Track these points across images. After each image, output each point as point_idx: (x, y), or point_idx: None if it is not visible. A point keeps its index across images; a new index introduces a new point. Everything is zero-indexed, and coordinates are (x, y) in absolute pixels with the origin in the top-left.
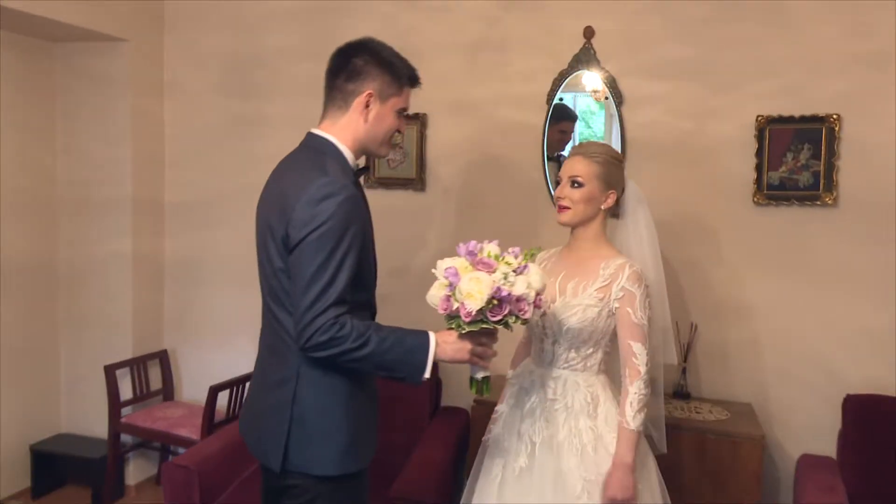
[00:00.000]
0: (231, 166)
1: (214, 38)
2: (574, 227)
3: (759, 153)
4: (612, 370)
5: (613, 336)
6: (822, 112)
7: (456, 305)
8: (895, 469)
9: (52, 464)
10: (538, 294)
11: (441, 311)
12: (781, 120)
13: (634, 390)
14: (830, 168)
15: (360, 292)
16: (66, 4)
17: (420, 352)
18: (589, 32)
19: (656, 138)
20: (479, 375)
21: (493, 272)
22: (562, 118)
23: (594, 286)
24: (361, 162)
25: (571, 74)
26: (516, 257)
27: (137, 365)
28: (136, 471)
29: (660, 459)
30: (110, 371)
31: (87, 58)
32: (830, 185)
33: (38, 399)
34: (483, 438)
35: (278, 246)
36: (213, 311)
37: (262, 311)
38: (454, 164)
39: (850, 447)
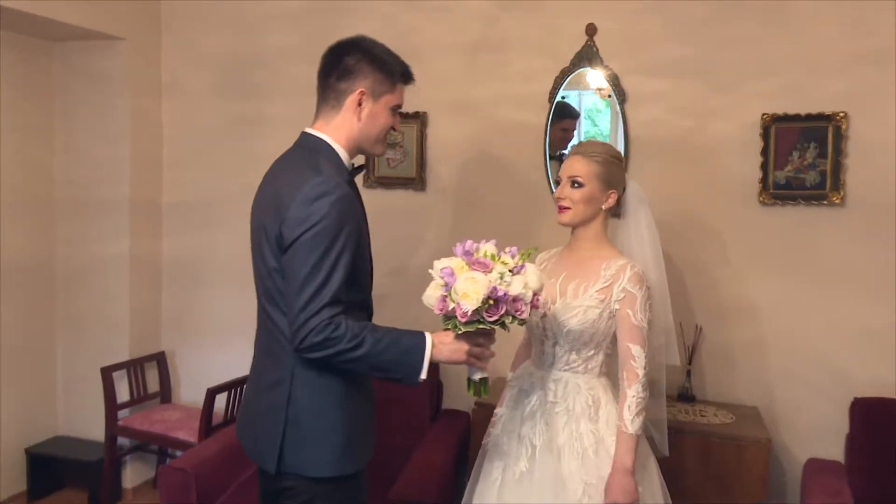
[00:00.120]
0: (229, 167)
1: (213, 38)
2: (575, 227)
3: (764, 152)
4: (611, 372)
5: (615, 338)
6: (828, 110)
7: (452, 306)
8: None
9: (48, 467)
10: (535, 294)
11: (437, 312)
12: (787, 118)
13: (632, 393)
14: (837, 167)
15: (356, 292)
16: (64, 4)
17: (416, 352)
18: (591, 30)
19: (660, 136)
20: (477, 377)
21: (490, 272)
22: (563, 116)
23: (595, 287)
24: (357, 161)
25: (574, 72)
26: (513, 257)
27: (135, 367)
28: (133, 474)
29: (664, 463)
30: (107, 373)
31: (85, 57)
32: (837, 185)
33: (35, 401)
34: (483, 442)
35: (272, 246)
36: (211, 313)
37: (258, 312)
38: (455, 163)
39: (858, 451)
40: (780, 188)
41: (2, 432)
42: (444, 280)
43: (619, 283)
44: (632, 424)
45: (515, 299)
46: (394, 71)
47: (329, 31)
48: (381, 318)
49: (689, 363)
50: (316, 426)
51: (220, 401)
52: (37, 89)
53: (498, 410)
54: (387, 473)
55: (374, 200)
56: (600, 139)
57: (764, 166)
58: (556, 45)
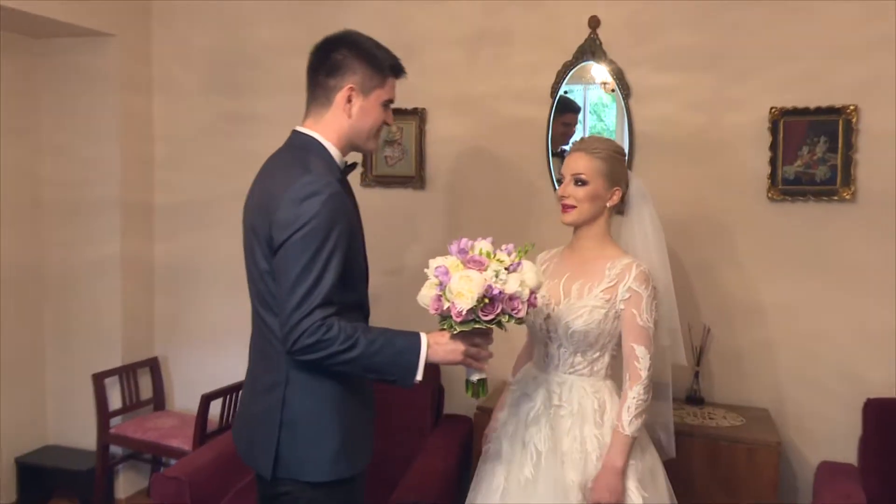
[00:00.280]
0: (223, 166)
1: (205, 34)
2: (578, 226)
3: (773, 147)
4: (616, 375)
5: (620, 339)
6: (838, 103)
7: (447, 305)
8: None
9: (38, 477)
10: (533, 292)
11: (432, 312)
12: (796, 112)
13: (633, 395)
14: (848, 161)
15: (350, 293)
16: (52, 0)
17: (411, 353)
18: (594, 22)
19: (665, 132)
20: (475, 378)
21: (485, 270)
22: (565, 110)
23: (600, 287)
24: (350, 159)
25: (577, 66)
26: (509, 254)
27: (127, 373)
28: (126, 483)
29: (672, 467)
30: (99, 380)
31: (73, 54)
32: (848, 180)
33: (24, 409)
34: (483, 448)
35: (263, 248)
36: (205, 317)
37: (252, 316)
38: (455, 160)
39: (872, 453)
40: (790, 184)
41: None
42: (439, 279)
43: (624, 282)
44: (629, 426)
45: (512, 298)
46: (383, 65)
47: (323, 25)
48: (382, 318)
49: (698, 364)
50: (311, 430)
51: (215, 407)
52: (23, 88)
53: (499, 415)
54: (387, 479)
55: (372, 200)
56: (606, 135)
57: (772, 161)
58: (558, 38)
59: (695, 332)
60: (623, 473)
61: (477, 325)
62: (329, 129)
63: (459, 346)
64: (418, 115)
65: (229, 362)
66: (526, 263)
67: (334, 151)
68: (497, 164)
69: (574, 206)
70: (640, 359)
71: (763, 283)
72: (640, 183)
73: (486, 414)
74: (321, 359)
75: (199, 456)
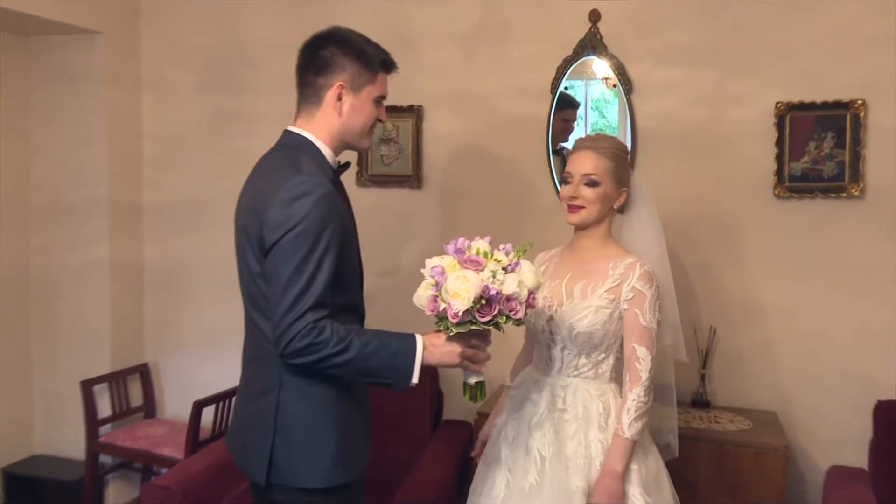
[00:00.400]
0: (215, 166)
1: (195, 31)
2: (583, 227)
3: (779, 142)
4: (620, 378)
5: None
6: (845, 97)
7: (443, 306)
8: None
9: (26, 488)
10: (532, 293)
11: (428, 313)
12: (802, 107)
13: (633, 397)
14: (856, 157)
15: (343, 295)
16: None
17: (406, 355)
18: (595, 16)
19: (669, 128)
20: (472, 380)
21: (482, 270)
22: (564, 106)
23: (604, 287)
24: (344, 158)
25: (577, 61)
26: (507, 254)
27: (116, 380)
28: (117, 493)
29: (676, 472)
30: (87, 387)
31: (59, 53)
32: (857, 176)
33: (11, 418)
34: (484, 454)
35: (254, 250)
36: (197, 321)
37: (244, 319)
38: (452, 159)
39: (883, 457)
40: (796, 181)
41: None
42: (435, 279)
43: (628, 281)
44: (629, 428)
45: (509, 298)
46: (373, 60)
47: (318, 21)
48: (379, 320)
49: (704, 367)
50: (305, 435)
51: (208, 414)
52: (8, 87)
53: (497, 420)
54: (385, 487)
55: (368, 200)
56: (608, 131)
57: (779, 158)
58: (558, 33)
59: (701, 334)
60: (622, 477)
61: (474, 327)
62: (320, 128)
63: (456, 348)
64: (415, 112)
65: (222, 368)
66: (524, 263)
67: (326, 151)
68: (496, 162)
69: (583, 207)
70: (641, 360)
71: (769, 283)
72: (639, 180)
73: (486, 419)
74: (314, 362)
75: (191, 464)
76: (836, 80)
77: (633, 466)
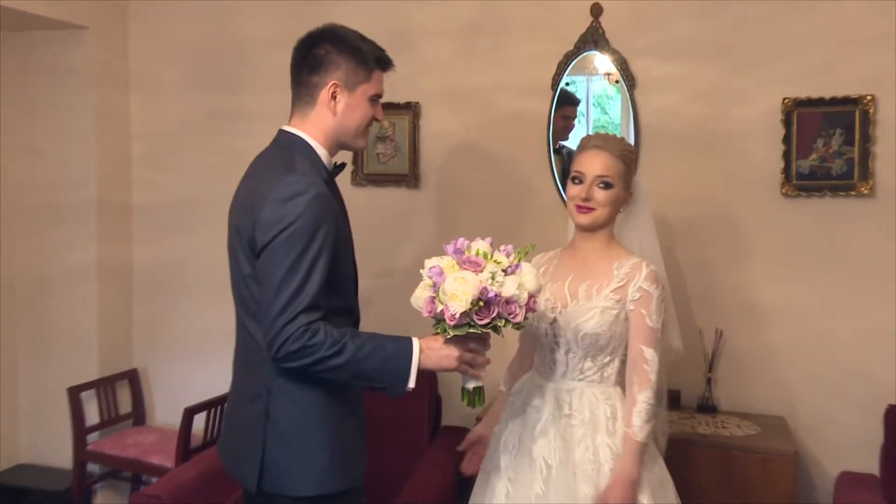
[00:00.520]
0: (207, 165)
1: (186, 26)
2: (592, 229)
3: (786, 140)
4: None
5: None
6: (854, 93)
7: (440, 308)
8: None
9: (11, 498)
10: (532, 296)
11: (426, 315)
12: (810, 102)
13: (644, 398)
14: (865, 154)
15: (337, 298)
16: None
17: (402, 359)
18: (597, 10)
19: (673, 125)
20: (471, 385)
21: (481, 271)
22: (564, 103)
23: (609, 287)
24: (340, 159)
25: (579, 56)
26: (508, 256)
27: (105, 386)
28: (105, 503)
29: (683, 479)
30: (75, 393)
31: (44, 49)
32: (866, 174)
33: None
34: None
35: (246, 250)
36: (188, 326)
37: (236, 323)
38: (450, 157)
39: (894, 462)
40: (804, 179)
41: None
42: (433, 280)
43: (634, 281)
44: (641, 431)
45: (509, 301)
46: (368, 58)
47: (313, 16)
48: (371, 323)
49: (710, 371)
50: (297, 442)
51: (199, 421)
52: None
53: (496, 429)
54: (383, 496)
55: (364, 199)
56: (611, 128)
57: (786, 155)
58: (559, 27)
59: (707, 337)
60: (637, 483)
61: (472, 330)
62: (315, 127)
63: (454, 352)
64: (412, 109)
65: (214, 373)
66: (525, 266)
67: (321, 151)
68: (495, 160)
69: (594, 209)
70: (649, 362)
71: (777, 284)
72: (640, 181)
73: None
74: (307, 366)
75: (181, 473)
76: (843, 75)
77: (643, 473)
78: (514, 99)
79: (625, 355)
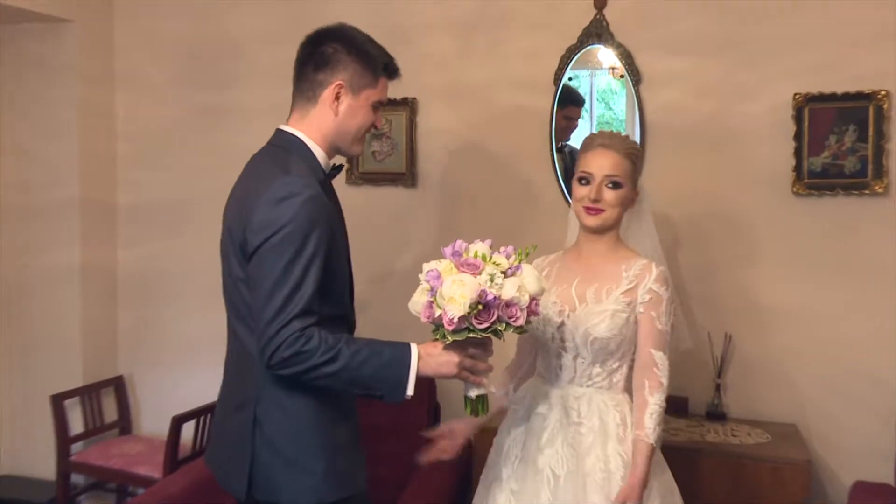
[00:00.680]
0: (196, 164)
1: (173, 20)
2: (600, 231)
3: (797, 136)
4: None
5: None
6: (867, 88)
7: (438, 312)
8: None
9: None
10: (534, 298)
11: (424, 320)
12: (822, 98)
13: (655, 401)
14: (880, 152)
15: (332, 304)
16: None
17: (400, 365)
18: (600, 2)
19: (679, 121)
20: (473, 394)
21: (479, 274)
22: (567, 103)
23: (619, 290)
24: (337, 161)
25: (582, 50)
26: (508, 257)
27: (89, 394)
28: None
29: (692, 488)
30: (58, 402)
31: (26, 43)
32: (880, 172)
33: None
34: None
35: (237, 253)
36: (176, 331)
37: (227, 328)
38: (449, 155)
39: None
40: (816, 177)
41: None
42: (431, 284)
43: (644, 283)
44: (653, 434)
45: (509, 304)
46: (376, 63)
47: (307, 9)
48: (368, 328)
49: (719, 376)
50: (288, 450)
51: (188, 430)
52: None
53: (495, 440)
54: None
55: (359, 199)
56: (615, 124)
57: (797, 153)
58: (561, 21)
59: (716, 341)
60: (646, 485)
61: (471, 335)
62: (313, 127)
63: (454, 358)
64: (409, 105)
65: (203, 381)
66: (526, 267)
67: (319, 153)
68: (495, 158)
69: (603, 210)
70: (659, 365)
71: (788, 286)
72: (642, 180)
73: (488, 434)
74: (301, 373)
75: (169, 484)
76: (856, 70)
77: (653, 481)
78: (515, 94)
79: (633, 361)
